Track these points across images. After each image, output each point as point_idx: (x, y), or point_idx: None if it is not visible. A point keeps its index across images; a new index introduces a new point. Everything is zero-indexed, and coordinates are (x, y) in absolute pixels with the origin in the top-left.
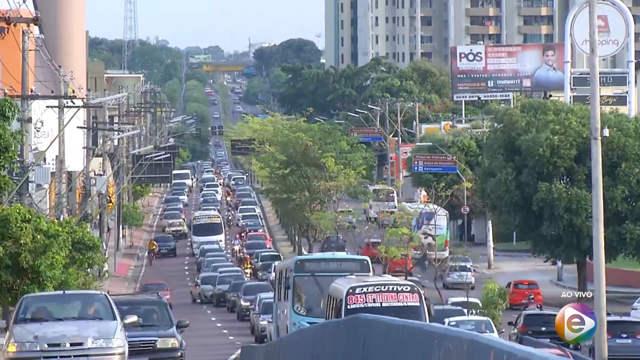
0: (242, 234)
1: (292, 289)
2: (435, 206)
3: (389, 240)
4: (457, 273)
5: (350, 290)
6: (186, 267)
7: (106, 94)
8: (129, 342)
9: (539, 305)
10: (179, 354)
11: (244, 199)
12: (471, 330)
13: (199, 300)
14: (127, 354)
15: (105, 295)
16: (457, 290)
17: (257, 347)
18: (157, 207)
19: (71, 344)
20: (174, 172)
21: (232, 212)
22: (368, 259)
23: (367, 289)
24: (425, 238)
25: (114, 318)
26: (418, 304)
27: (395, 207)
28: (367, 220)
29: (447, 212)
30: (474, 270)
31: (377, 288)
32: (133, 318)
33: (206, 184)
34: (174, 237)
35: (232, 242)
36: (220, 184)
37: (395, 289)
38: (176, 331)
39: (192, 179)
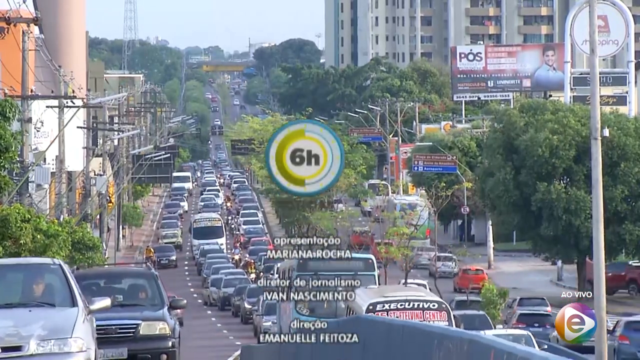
0: (239, 243)
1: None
2: (419, 197)
3: (389, 239)
4: (442, 263)
5: (370, 307)
6: (186, 270)
7: (106, 94)
8: (101, 326)
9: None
10: (170, 343)
11: (245, 204)
12: None
13: (208, 303)
14: (93, 358)
15: (60, 264)
16: (444, 279)
17: (257, 347)
18: (156, 213)
19: (4, 349)
20: (174, 174)
21: (235, 219)
22: (373, 257)
23: (389, 306)
24: (408, 228)
25: (74, 303)
26: (447, 324)
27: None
28: (364, 215)
29: (429, 202)
30: (458, 261)
31: (400, 305)
32: (105, 302)
33: (207, 188)
34: None
35: (232, 251)
36: (221, 184)
37: (420, 306)
38: (168, 313)
39: (192, 181)
